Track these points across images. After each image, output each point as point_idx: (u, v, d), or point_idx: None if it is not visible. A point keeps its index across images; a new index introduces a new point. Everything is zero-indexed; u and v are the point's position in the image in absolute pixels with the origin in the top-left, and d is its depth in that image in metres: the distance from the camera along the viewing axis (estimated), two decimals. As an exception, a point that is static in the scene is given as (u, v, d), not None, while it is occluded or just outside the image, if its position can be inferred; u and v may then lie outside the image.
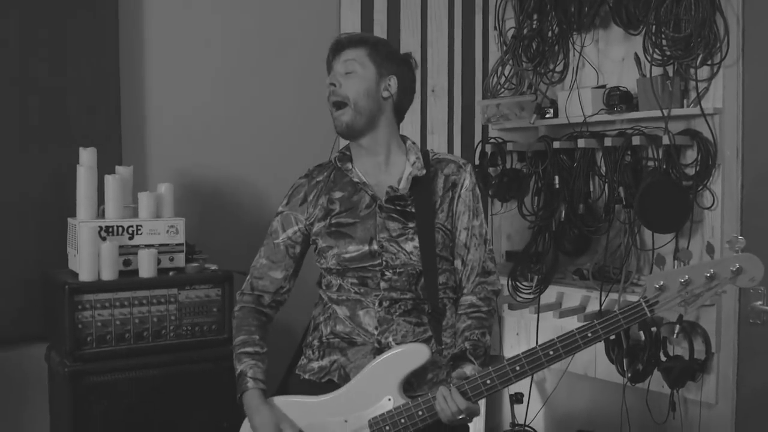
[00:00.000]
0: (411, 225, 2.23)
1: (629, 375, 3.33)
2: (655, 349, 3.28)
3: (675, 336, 3.23)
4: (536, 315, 3.71)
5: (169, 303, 2.94)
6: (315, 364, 2.29)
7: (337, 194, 2.32)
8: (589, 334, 2.06)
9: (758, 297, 3.08)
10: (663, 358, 3.29)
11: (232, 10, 3.60)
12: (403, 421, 2.11)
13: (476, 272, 2.29)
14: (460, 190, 2.29)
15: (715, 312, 3.19)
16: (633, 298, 3.29)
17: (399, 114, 2.35)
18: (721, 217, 3.18)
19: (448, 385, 2.09)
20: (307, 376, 2.30)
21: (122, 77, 3.30)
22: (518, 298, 3.73)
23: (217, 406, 2.98)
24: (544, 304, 3.71)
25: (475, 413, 2.10)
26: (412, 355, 2.13)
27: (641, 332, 3.29)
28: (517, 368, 2.07)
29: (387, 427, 2.12)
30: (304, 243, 2.37)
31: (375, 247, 2.22)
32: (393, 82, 2.29)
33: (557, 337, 2.07)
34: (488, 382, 2.07)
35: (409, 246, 2.21)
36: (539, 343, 2.11)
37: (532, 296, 3.69)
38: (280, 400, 2.25)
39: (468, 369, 2.14)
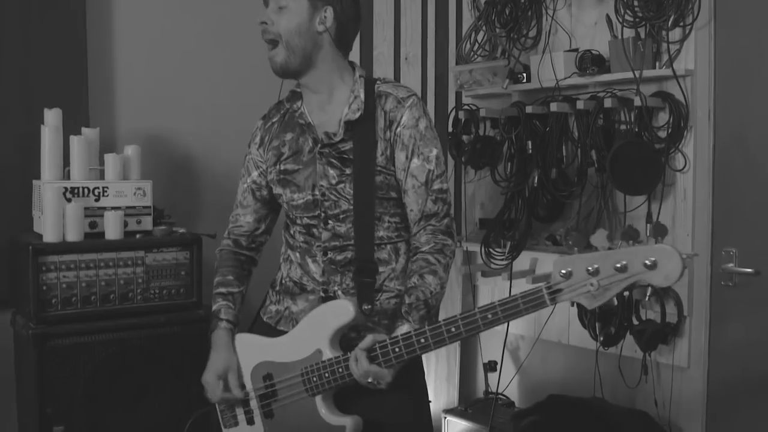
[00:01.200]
0: (348, 171, 2.16)
1: (601, 339, 3.33)
2: (627, 313, 3.28)
3: (647, 299, 3.23)
4: (509, 282, 3.69)
5: (136, 266, 2.91)
6: (272, 308, 2.34)
7: (288, 136, 2.28)
8: (489, 316, 1.89)
9: (730, 259, 3.11)
10: (635, 322, 3.29)
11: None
12: (326, 375, 2.10)
13: (417, 216, 2.16)
14: (396, 127, 2.15)
15: (687, 275, 3.19)
16: (605, 262, 3.27)
17: (343, 46, 2.23)
18: (693, 179, 3.17)
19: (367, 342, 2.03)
20: (265, 319, 2.35)
21: (89, 36, 3.25)
22: (492, 265, 3.71)
23: (184, 370, 2.94)
24: (518, 270, 3.69)
25: (381, 378, 2.00)
26: (336, 311, 2.11)
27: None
28: (422, 341, 1.96)
29: (314, 378, 2.12)
30: (269, 185, 2.35)
31: (317, 194, 2.20)
32: (329, 13, 2.17)
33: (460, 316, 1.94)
34: (397, 350, 1.97)
35: (349, 193, 2.16)
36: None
37: (505, 263, 3.67)
38: (242, 337, 2.33)
39: (402, 328, 2.03)
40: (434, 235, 2.15)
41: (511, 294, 2.03)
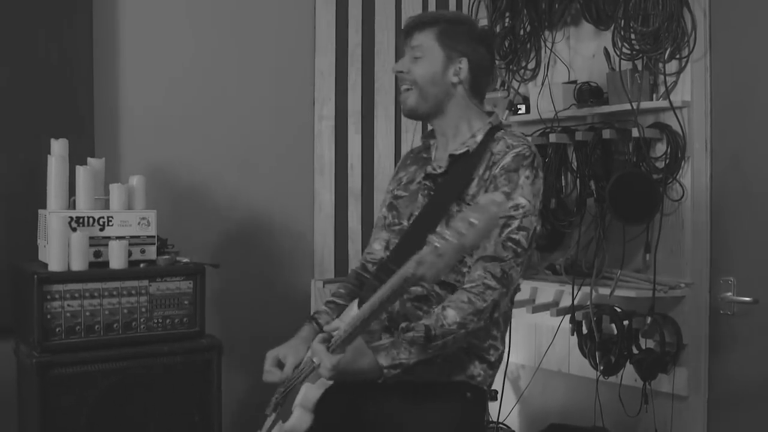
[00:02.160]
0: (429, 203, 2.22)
1: (601, 368, 3.34)
2: (627, 342, 3.30)
3: (646, 328, 3.25)
4: (510, 311, 3.71)
5: (140, 295, 2.92)
6: None
7: (412, 167, 2.38)
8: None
9: (728, 288, 3.13)
10: (635, 351, 3.30)
11: (209, 6, 3.61)
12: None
13: (481, 254, 2.06)
14: (497, 169, 2.13)
15: (686, 304, 3.22)
16: (604, 291, 3.30)
17: (476, 94, 2.29)
18: (690, 209, 3.20)
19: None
20: None
21: (95, 68, 3.29)
22: (492, 295, 3.72)
23: (188, 400, 2.96)
24: (518, 300, 3.70)
25: (319, 355, 1.95)
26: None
27: (613, 325, 3.30)
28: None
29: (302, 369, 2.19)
30: None
31: (408, 223, 2.28)
32: (464, 65, 2.22)
33: None
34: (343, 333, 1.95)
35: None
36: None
37: (505, 292, 3.68)
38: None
39: (383, 342, 2.04)
40: (484, 274, 2.04)
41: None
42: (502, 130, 2.24)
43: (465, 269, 2.12)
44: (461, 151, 2.21)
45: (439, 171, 2.25)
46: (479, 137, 2.21)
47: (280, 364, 2.26)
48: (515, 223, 2.06)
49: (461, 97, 2.25)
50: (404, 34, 2.29)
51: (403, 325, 2.02)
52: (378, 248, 2.46)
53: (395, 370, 1.97)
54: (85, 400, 2.79)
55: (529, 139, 2.30)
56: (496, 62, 3.77)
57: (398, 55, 4.00)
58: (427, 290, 2.17)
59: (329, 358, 1.92)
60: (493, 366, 2.24)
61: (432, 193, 2.24)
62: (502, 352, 2.27)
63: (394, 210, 2.37)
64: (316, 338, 2.00)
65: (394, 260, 2.13)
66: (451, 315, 1.99)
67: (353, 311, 2.10)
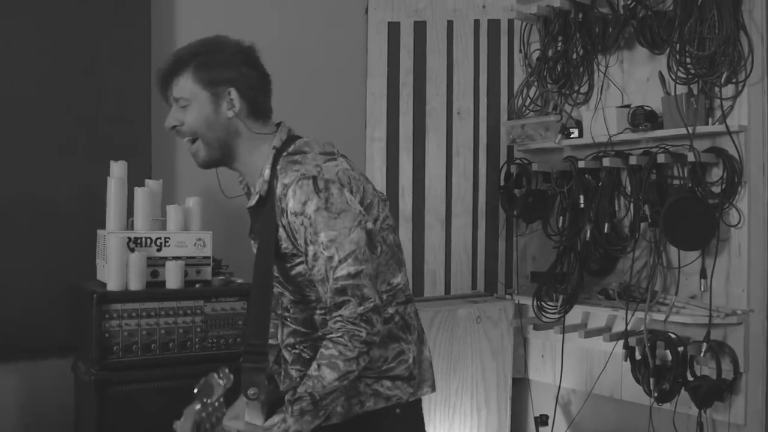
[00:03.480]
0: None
1: (656, 394, 3.30)
2: (682, 369, 3.25)
3: (702, 355, 3.20)
4: (561, 336, 3.69)
5: (195, 315, 2.97)
6: None
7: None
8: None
9: (786, 315, 3.08)
10: (690, 378, 3.26)
11: (262, 26, 3.68)
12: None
13: (328, 305, 1.93)
14: (288, 216, 1.93)
15: (743, 330, 3.17)
16: (659, 317, 3.26)
17: (259, 115, 2.08)
18: (747, 234, 3.16)
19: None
20: None
21: (153, 92, 3.35)
22: (543, 319, 3.71)
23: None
24: (570, 324, 3.70)
25: None
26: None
27: (667, 351, 3.26)
28: None
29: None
30: None
31: None
32: (234, 95, 2.02)
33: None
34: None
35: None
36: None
37: (557, 316, 3.67)
38: None
39: (273, 419, 1.94)
40: (344, 324, 1.90)
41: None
42: (282, 157, 2.03)
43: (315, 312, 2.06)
44: (254, 202, 2.05)
45: (249, 226, 2.14)
46: (266, 173, 2.02)
47: None
48: (333, 262, 1.90)
49: (243, 129, 2.04)
50: (160, 87, 2.09)
51: (288, 396, 1.92)
52: None
53: None
54: (141, 418, 2.83)
55: (310, 155, 2.03)
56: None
57: (449, 80, 4.03)
58: (297, 349, 2.11)
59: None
60: (409, 378, 2.09)
61: (255, 249, 2.08)
62: (416, 359, 2.10)
63: None
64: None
65: (251, 341, 2.00)
66: (328, 373, 1.89)
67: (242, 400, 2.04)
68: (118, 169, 3.02)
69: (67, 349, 3.11)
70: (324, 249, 1.90)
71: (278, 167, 2.00)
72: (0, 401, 3.12)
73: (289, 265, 2.01)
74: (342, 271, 1.89)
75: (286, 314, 2.13)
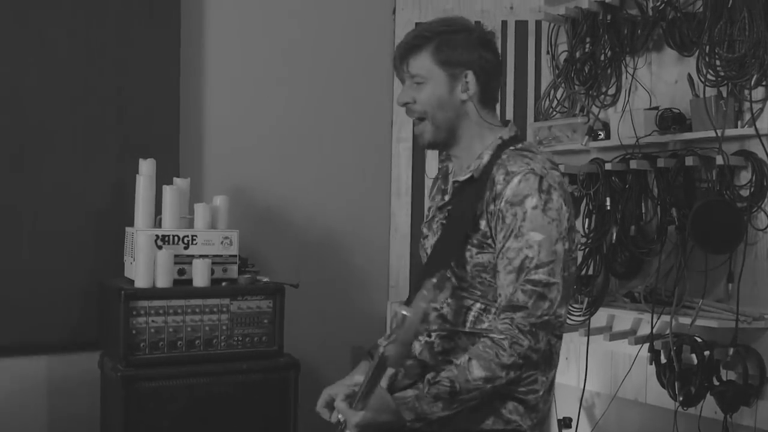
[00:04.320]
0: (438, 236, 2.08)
1: (681, 398, 3.27)
2: (707, 373, 3.23)
3: (728, 359, 3.17)
4: (586, 338, 3.68)
5: (221, 313, 2.99)
6: None
7: (438, 197, 2.24)
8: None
9: (815, 320, 3.05)
10: (716, 383, 3.23)
11: (290, 26, 3.72)
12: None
13: (502, 304, 1.92)
14: (501, 203, 1.93)
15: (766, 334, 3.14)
16: (685, 320, 3.24)
17: (488, 103, 2.10)
18: (776, 238, 3.14)
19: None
20: None
21: (182, 92, 3.40)
22: (568, 321, 3.70)
23: (265, 417, 3.01)
24: (595, 327, 3.68)
25: (344, 414, 1.90)
26: None
27: (693, 355, 3.24)
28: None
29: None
30: None
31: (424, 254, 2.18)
32: (470, 78, 2.03)
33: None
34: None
35: None
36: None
37: (582, 319, 3.65)
38: None
39: (407, 392, 1.93)
40: (512, 328, 1.88)
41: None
42: (509, 149, 2.03)
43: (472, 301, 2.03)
44: (465, 177, 2.05)
45: (446, 200, 2.12)
46: (485, 158, 2.03)
47: (332, 403, 2.12)
48: (531, 263, 1.88)
49: (473, 114, 2.06)
50: (398, 61, 2.09)
51: (429, 376, 1.91)
52: None
53: (419, 422, 1.90)
54: (166, 414, 2.87)
55: (539, 156, 2.05)
56: (575, 84, 3.74)
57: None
58: (432, 337, 2.05)
59: (353, 416, 1.85)
60: (534, 408, 2.04)
61: (443, 226, 2.09)
62: (544, 395, 2.06)
63: (421, 249, 2.23)
64: (338, 396, 1.93)
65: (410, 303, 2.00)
66: (477, 369, 1.86)
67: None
68: (146, 167, 3.05)
69: (95, 345, 3.15)
70: (527, 247, 1.88)
71: (503, 156, 2.00)
72: (28, 395, 3.17)
73: (471, 250, 1.99)
74: (536, 275, 1.88)
75: (442, 301, 2.08)
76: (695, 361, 3.24)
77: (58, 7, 3.17)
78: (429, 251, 2.16)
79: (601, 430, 3.85)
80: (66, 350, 3.21)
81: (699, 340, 3.25)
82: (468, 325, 2.02)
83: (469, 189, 2.03)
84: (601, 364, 3.80)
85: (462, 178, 2.05)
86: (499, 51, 2.14)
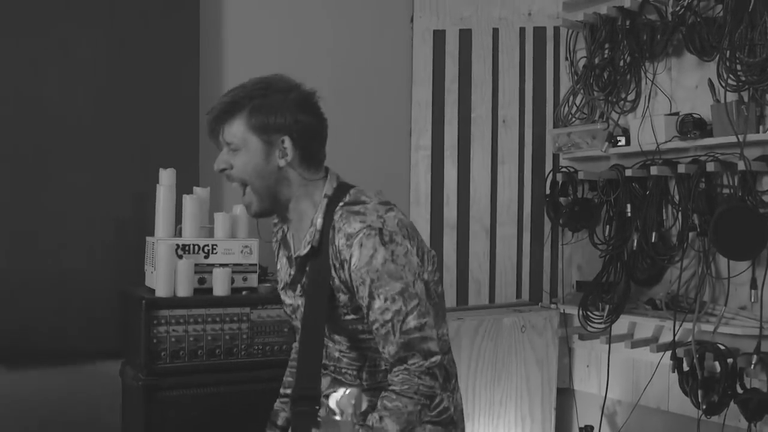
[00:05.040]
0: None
1: (704, 407, 3.25)
2: (731, 381, 3.20)
3: (752, 367, 3.14)
4: (607, 345, 3.65)
5: (241, 322, 2.99)
6: None
7: (283, 258, 2.18)
8: None
9: (840, 327, 3.01)
10: (740, 391, 3.20)
11: (309, 35, 3.72)
12: None
13: (390, 360, 1.89)
14: (350, 268, 1.88)
15: (794, 343, 3.11)
16: (707, 327, 3.22)
17: (311, 164, 2.00)
18: (799, 245, 3.10)
19: None
20: None
21: (201, 102, 3.41)
22: (589, 328, 3.68)
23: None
24: (616, 334, 3.66)
25: None
26: None
27: (716, 363, 3.21)
28: None
29: None
30: None
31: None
32: (287, 143, 1.94)
33: None
34: None
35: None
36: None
37: (603, 326, 3.63)
38: None
39: None
40: (410, 377, 1.86)
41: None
42: (339, 207, 1.96)
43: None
44: (305, 252, 1.97)
45: (292, 272, 2.06)
46: (319, 222, 1.96)
47: None
48: (401, 315, 1.86)
49: (295, 178, 1.97)
50: (211, 126, 2.00)
51: None
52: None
53: None
54: (187, 422, 2.86)
55: (370, 205, 1.96)
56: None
57: (494, 87, 4.02)
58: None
59: None
60: (451, 422, 2.07)
61: (304, 303, 2.01)
62: (453, 406, 2.08)
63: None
64: None
65: (304, 385, 1.98)
66: (391, 425, 1.84)
67: None
68: (166, 177, 3.06)
69: (116, 353, 3.16)
70: (391, 302, 1.86)
71: (336, 216, 1.94)
72: (50, 403, 3.17)
73: (343, 316, 1.97)
74: (408, 324, 1.86)
75: (331, 366, 2.07)
76: (718, 369, 3.21)
77: (80, 22, 3.19)
78: (300, 324, 2.08)
79: (624, 438, 3.82)
80: (87, 359, 3.22)
81: (722, 347, 3.22)
82: (365, 382, 2.03)
83: (314, 261, 1.97)
84: (622, 371, 3.78)
85: (303, 252, 1.98)
86: (321, 110, 2.04)
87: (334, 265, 1.92)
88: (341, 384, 2.03)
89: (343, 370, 2.05)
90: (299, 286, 2.05)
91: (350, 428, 1.57)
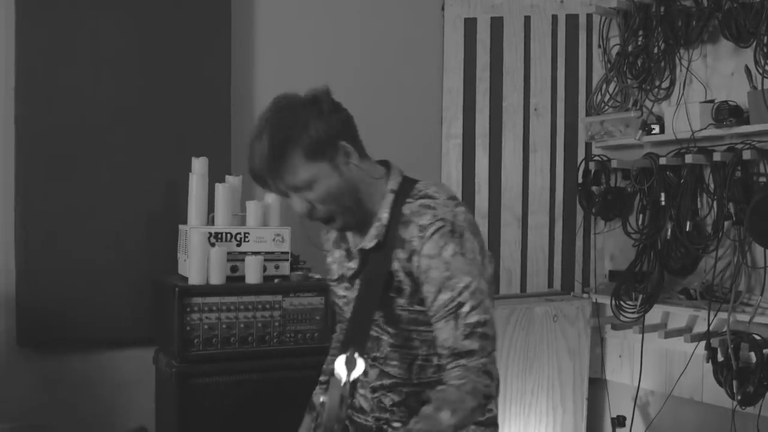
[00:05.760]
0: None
1: (739, 397, 3.21)
2: (766, 372, 3.16)
3: (788, 357, 3.11)
4: (641, 335, 3.62)
5: (273, 309, 3.01)
6: None
7: (336, 252, 2.12)
8: None
9: None
10: (775, 381, 3.17)
11: (339, 23, 3.72)
12: None
13: (447, 353, 1.86)
14: (420, 259, 1.86)
15: (831, 333, 3.07)
16: (743, 317, 3.18)
17: (364, 153, 1.97)
18: (838, 234, 3.05)
19: None
20: None
21: (233, 91, 3.43)
22: (622, 318, 3.65)
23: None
24: (649, 324, 3.63)
25: None
26: None
27: (751, 353, 3.17)
28: None
29: None
30: None
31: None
32: (345, 145, 1.89)
33: None
34: None
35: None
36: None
37: (636, 316, 3.60)
38: None
39: None
40: (467, 373, 1.83)
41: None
42: (408, 202, 1.92)
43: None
44: (371, 245, 1.93)
45: (354, 267, 2.00)
46: (384, 216, 1.92)
47: None
48: (466, 307, 1.84)
49: (361, 175, 1.92)
50: (262, 183, 1.91)
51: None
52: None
53: None
54: (219, 409, 2.90)
55: (440, 198, 1.93)
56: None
57: (526, 76, 3.99)
58: (378, 393, 2.02)
59: None
60: (487, 423, 2.06)
61: (359, 288, 1.98)
62: (496, 408, 2.09)
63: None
64: None
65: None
66: (447, 417, 1.79)
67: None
68: (199, 166, 3.08)
69: (149, 341, 3.19)
70: (458, 295, 1.84)
71: (405, 210, 1.90)
72: (86, 389, 3.22)
73: (401, 308, 1.95)
74: (473, 318, 1.84)
75: (382, 358, 2.04)
76: (754, 359, 3.18)
77: (111, 11, 3.21)
78: (348, 315, 2.07)
79: (656, 429, 3.79)
80: (122, 346, 3.26)
81: (758, 337, 3.18)
82: (414, 377, 2.01)
83: (376, 254, 1.94)
84: (655, 362, 3.75)
85: (369, 245, 1.93)
86: (335, 102, 1.95)
87: (401, 257, 1.89)
88: (389, 376, 2.02)
89: (393, 362, 2.02)
90: (357, 278, 2.03)
91: (335, 413, 1.59)
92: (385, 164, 2.04)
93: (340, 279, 2.10)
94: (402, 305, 1.94)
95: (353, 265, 2.03)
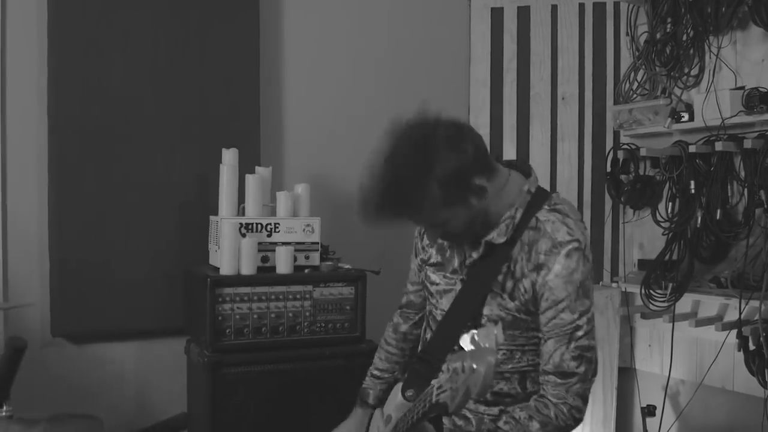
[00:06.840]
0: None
1: (771, 386, 3.20)
2: (798, 360, 3.15)
3: (821, 346, 3.09)
4: (671, 324, 3.61)
5: (304, 299, 3.03)
6: None
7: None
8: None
9: None
10: (808, 370, 3.15)
11: (365, 17, 3.73)
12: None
13: (550, 368, 1.92)
14: (548, 275, 1.89)
15: None
16: (775, 305, 3.16)
17: (493, 169, 1.94)
18: None
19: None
20: None
21: (262, 83, 3.45)
22: (652, 307, 3.64)
23: (347, 403, 3.02)
24: (679, 313, 3.61)
25: None
26: None
27: (784, 341, 3.16)
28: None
29: None
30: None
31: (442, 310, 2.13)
32: (479, 181, 1.86)
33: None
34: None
35: None
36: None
37: (666, 305, 3.59)
38: None
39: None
40: (567, 395, 1.91)
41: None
42: (544, 209, 1.95)
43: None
44: (500, 241, 1.94)
45: (475, 257, 2.00)
46: (518, 214, 1.94)
47: None
48: (581, 331, 1.91)
49: (490, 198, 1.91)
50: (411, 222, 1.97)
51: (488, 426, 1.97)
52: (417, 300, 2.37)
53: None
54: (251, 398, 2.92)
55: (573, 217, 1.97)
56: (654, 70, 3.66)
57: (553, 65, 3.98)
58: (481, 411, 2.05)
59: None
60: None
61: (466, 279, 2.03)
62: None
63: (426, 278, 2.19)
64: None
65: (432, 352, 2.04)
66: (535, 429, 1.89)
67: (397, 398, 2.06)
68: (229, 157, 3.10)
69: (181, 331, 3.22)
70: (578, 318, 1.90)
71: (541, 217, 1.93)
72: (119, 378, 3.26)
73: (503, 310, 1.97)
74: (584, 342, 1.91)
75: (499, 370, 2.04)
76: (785, 348, 3.16)
77: (142, 4, 3.24)
78: (443, 306, 2.11)
79: (687, 418, 3.78)
80: (154, 336, 3.29)
81: (790, 325, 3.16)
82: (529, 388, 2.04)
83: (498, 250, 1.96)
84: (686, 351, 3.73)
85: (499, 240, 1.94)
86: (466, 122, 1.97)
87: (524, 264, 1.92)
88: (497, 395, 2.03)
89: (506, 375, 2.03)
90: (465, 268, 2.04)
91: (488, 382, 1.55)
92: (511, 164, 2.05)
93: (438, 266, 2.13)
94: (509, 308, 1.97)
95: (457, 255, 2.05)
